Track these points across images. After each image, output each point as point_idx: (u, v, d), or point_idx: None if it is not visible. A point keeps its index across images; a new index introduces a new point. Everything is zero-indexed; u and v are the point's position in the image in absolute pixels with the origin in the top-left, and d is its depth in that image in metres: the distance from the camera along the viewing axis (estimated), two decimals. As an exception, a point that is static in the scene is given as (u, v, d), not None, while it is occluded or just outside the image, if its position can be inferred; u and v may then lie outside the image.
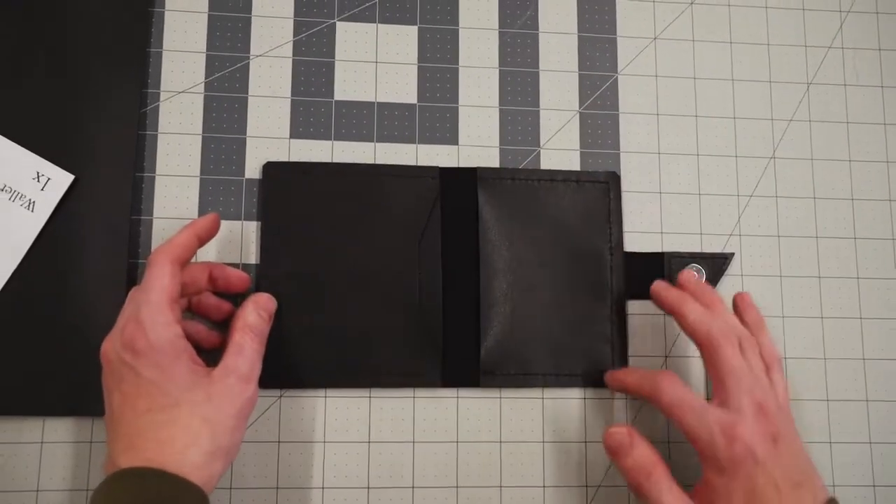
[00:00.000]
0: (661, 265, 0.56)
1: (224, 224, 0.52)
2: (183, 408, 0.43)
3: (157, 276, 0.45)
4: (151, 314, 0.44)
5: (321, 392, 0.53)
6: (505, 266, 0.54)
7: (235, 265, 0.53)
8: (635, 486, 0.47)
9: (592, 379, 0.54)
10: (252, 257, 0.53)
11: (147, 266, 0.46)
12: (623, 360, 0.55)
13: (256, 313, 0.48)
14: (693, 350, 0.55)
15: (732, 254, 0.57)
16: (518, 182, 0.55)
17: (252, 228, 0.54)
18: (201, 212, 0.54)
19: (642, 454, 0.47)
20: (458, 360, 0.53)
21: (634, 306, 0.56)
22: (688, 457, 0.54)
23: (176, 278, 0.45)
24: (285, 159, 0.55)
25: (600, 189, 0.56)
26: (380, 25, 0.57)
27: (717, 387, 0.48)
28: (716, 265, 0.56)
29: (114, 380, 0.44)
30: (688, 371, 0.55)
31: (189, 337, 0.46)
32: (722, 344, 0.48)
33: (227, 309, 0.52)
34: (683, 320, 0.50)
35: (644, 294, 0.54)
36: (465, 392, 0.54)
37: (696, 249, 0.57)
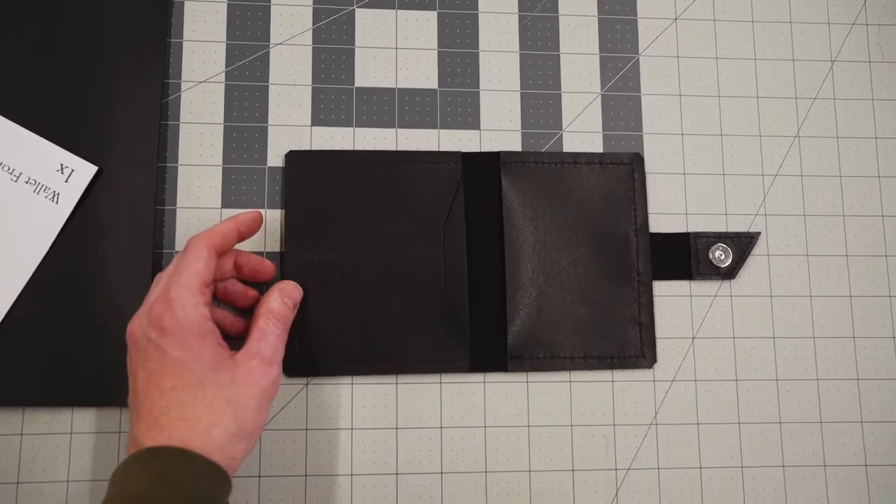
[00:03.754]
0: (687, 245, 0.56)
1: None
2: (207, 388, 0.43)
3: (192, 259, 0.45)
4: (181, 294, 0.44)
5: (348, 379, 0.52)
6: (530, 250, 0.54)
7: (259, 253, 0.53)
8: None
9: (620, 361, 0.54)
10: (276, 245, 0.53)
11: (184, 249, 0.46)
12: (651, 343, 0.54)
13: (281, 300, 0.48)
14: (720, 330, 0.55)
15: (758, 233, 0.56)
16: (541, 165, 0.55)
17: (276, 217, 0.54)
18: (224, 201, 0.54)
19: None
20: (485, 345, 0.53)
21: (660, 287, 0.55)
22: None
23: (211, 264, 0.46)
24: (307, 147, 0.54)
25: (624, 171, 0.56)
26: (399, 11, 0.57)
27: None
28: (742, 244, 0.56)
29: (139, 358, 0.44)
30: (717, 351, 0.55)
31: (216, 324, 0.46)
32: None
33: (253, 296, 0.51)
34: None
35: (669, 275, 0.54)
36: (492, 377, 0.53)
37: (722, 229, 0.56)
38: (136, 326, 0.44)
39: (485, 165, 0.55)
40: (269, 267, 0.52)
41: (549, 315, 0.54)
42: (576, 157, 0.56)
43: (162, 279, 0.46)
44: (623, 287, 0.54)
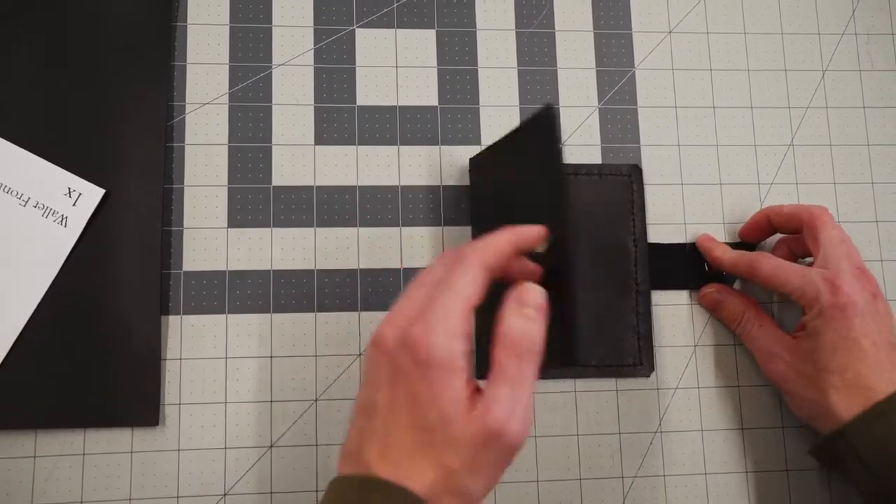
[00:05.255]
0: (685, 256, 0.56)
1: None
2: (438, 439, 0.38)
3: (464, 280, 0.39)
4: (442, 320, 0.38)
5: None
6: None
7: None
8: (735, 330, 0.55)
9: (618, 370, 0.55)
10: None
11: (458, 261, 0.40)
12: (649, 352, 0.55)
13: (519, 313, 0.40)
14: (722, 338, 0.56)
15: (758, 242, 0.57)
16: None
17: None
18: (230, 221, 0.54)
19: (734, 304, 0.55)
20: (485, 355, 0.54)
21: (662, 296, 0.56)
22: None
23: (481, 286, 0.39)
24: (310, 166, 0.55)
25: (623, 182, 0.57)
26: (398, 30, 0.58)
27: (817, 257, 0.51)
28: (741, 253, 0.57)
29: (387, 373, 0.39)
30: (718, 358, 0.56)
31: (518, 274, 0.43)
32: (822, 215, 0.52)
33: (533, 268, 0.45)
34: (781, 211, 0.54)
35: (668, 284, 0.55)
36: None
37: (721, 239, 0.57)
38: (391, 336, 0.39)
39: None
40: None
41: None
42: (576, 169, 0.56)
43: (427, 281, 0.41)
44: (622, 297, 0.55)
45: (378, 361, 0.40)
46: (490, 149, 0.54)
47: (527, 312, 0.40)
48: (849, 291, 0.48)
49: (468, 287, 0.39)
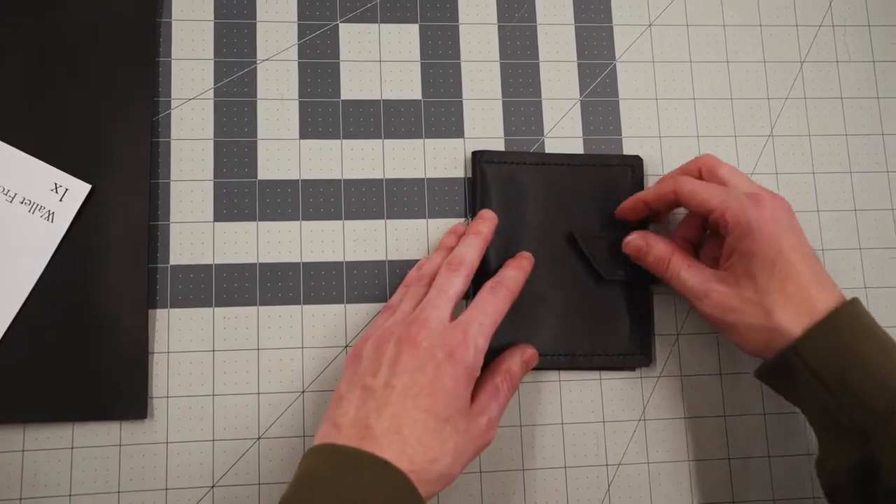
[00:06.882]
0: None
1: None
2: (447, 428, 0.44)
3: (494, 306, 0.48)
4: (480, 335, 0.46)
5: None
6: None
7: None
8: (663, 277, 0.53)
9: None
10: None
11: (491, 292, 0.49)
12: (646, 342, 0.55)
13: (521, 363, 0.51)
14: (704, 326, 0.56)
15: None
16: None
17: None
18: (216, 215, 0.55)
19: (659, 248, 0.53)
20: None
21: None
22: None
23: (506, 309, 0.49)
24: (295, 160, 0.56)
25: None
26: (382, 25, 0.58)
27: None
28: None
29: (412, 363, 0.44)
30: (701, 346, 0.56)
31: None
32: (710, 158, 0.53)
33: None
34: (661, 185, 0.53)
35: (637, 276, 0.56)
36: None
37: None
38: (426, 335, 0.45)
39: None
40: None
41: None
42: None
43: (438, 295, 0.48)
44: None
45: (400, 350, 0.45)
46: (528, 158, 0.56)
47: (524, 364, 0.51)
48: (772, 205, 0.48)
49: (497, 311, 0.48)
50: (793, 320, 0.47)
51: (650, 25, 0.61)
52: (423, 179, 0.57)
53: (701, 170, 0.53)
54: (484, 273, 0.53)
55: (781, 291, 0.47)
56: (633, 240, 0.54)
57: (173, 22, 0.57)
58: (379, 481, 0.41)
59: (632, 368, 0.55)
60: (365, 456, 0.41)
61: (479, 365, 0.46)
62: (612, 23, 0.60)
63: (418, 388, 0.44)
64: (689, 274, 0.51)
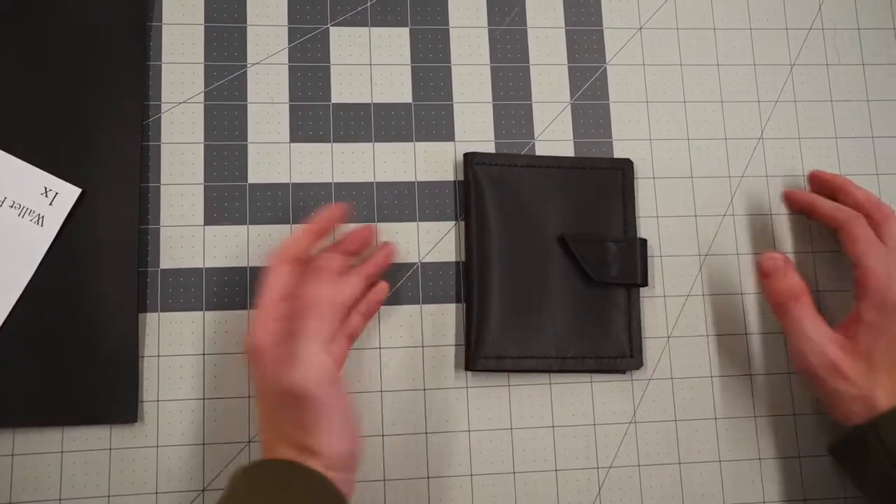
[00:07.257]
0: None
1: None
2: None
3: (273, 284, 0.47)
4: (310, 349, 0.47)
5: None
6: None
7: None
8: (781, 307, 0.52)
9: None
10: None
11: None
12: (636, 345, 0.55)
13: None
14: (694, 330, 0.56)
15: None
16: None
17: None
18: (206, 218, 0.55)
19: (795, 279, 0.52)
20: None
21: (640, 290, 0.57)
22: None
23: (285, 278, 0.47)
24: (286, 163, 0.56)
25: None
26: (372, 29, 0.58)
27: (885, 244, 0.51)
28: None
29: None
30: (691, 350, 0.56)
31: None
32: (891, 213, 0.52)
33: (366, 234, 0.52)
34: (853, 192, 0.54)
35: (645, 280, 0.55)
36: (472, 381, 0.55)
37: (692, 231, 0.58)
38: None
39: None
40: (367, 233, 0.52)
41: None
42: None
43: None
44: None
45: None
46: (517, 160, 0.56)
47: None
48: None
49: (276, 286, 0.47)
50: (887, 401, 0.48)
51: (640, 29, 0.61)
52: (413, 183, 0.57)
53: (870, 214, 0.53)
54: (484, 273, 0.53)
55: (888, 373, 0.49)
56: (775, 258, 0.52)
57: (163, 26, 0.57)
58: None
59: (622, 371, 0.56)
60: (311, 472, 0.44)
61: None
62: (602, 26, 0.60)
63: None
64: (812, 323, 0.51)
